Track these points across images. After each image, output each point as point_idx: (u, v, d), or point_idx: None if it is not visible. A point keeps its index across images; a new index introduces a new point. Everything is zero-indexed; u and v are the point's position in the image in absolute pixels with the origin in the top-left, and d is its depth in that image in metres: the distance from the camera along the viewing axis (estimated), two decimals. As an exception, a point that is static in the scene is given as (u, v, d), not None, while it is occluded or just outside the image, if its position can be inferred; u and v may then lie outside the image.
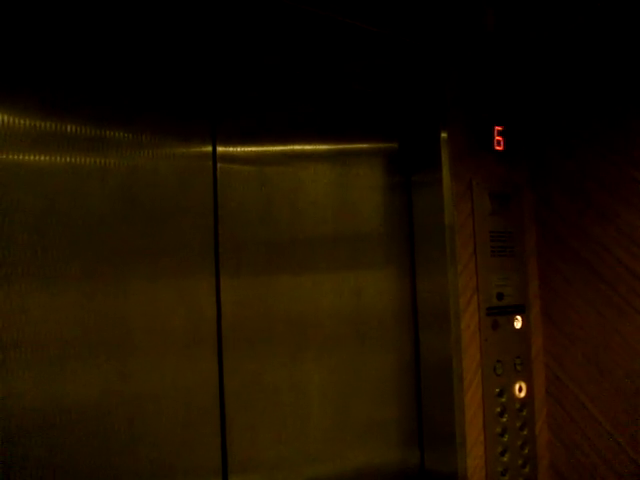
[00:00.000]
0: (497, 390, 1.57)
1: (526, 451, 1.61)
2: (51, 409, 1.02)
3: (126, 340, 1.11)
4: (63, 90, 1.08)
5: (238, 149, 1.31)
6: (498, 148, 1.62)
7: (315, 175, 1.43)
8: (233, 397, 1.24)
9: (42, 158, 1.05)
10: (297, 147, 1.41)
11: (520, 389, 1.62)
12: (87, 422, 1.05)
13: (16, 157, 1.02)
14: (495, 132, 1.61)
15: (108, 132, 1.13)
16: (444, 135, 1.51)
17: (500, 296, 1.59)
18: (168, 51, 1.13)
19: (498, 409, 1.57)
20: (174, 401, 1.16)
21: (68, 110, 1.08)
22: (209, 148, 1.27)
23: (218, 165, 1.27)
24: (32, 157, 1.04)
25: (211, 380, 1.22)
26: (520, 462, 1.59)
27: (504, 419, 1.57)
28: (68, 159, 1.07)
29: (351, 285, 1.45)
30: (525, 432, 1.61)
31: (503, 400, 1.58)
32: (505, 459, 1.56)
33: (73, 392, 1.04)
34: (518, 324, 1.63)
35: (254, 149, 1.34)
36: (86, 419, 1.05)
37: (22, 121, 1.03)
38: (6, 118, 1.01)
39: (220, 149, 1.28)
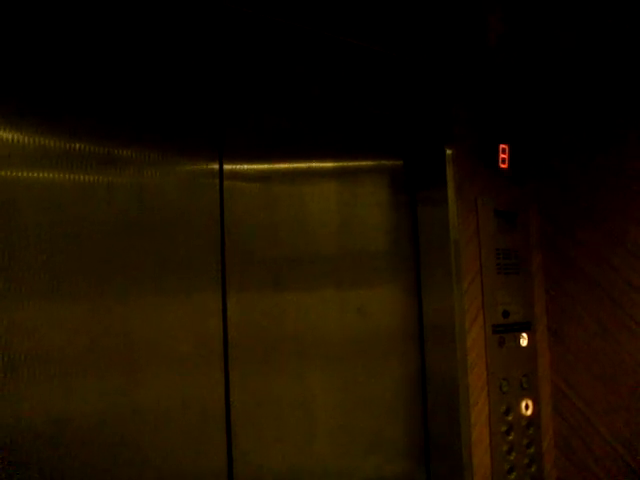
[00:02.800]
0: (503, 408, 1.56)
1: (533, 469, 1.60)
2: (57, 424, 1.02)
3: (132, 356, 1.11)
4: (73, 109, 1.09)
5: (244, 167, 1.32)
6: (503, 166, 1.62)
7: (321, 192, 1.43)
8: (239, 412, 1.24)
9: (49, 176, 1.06)
10: (303, 165, 1.42)
11: (527, 407, 1.61)
12: (93, 436, 1.05)
13: (23, 175, 1.03)
14: (500, 150, 1.62)
15: (117, 150, 1.14)
16: (449, 152, 1.52)
17: (506, 314, 1.59)
18: (177, 72, 1.15)
19: (504, 427, 1.56)
20: (180, 416, 1.16)
21: (77, 129, 1.09)
22: (216, 166, 1.28)
23: (225, 182, 1.28)
24: (39, 175, 1.05)
25: (217, 395, 1.22)
26: (527, 480, 1.59)
27: (511, 437, 1.56)
28: (76, 177, 1.08)
29: (357, 302, 1.46)
30: (532, 450, 1.61)
31: (509, 418, 1.57)
32: (512, 477, 1.55)
33: (79, 407, 1.04)
34: (524, 342, 1.63)
35: (260, 167, 1.35)
36: (92, 434, 1.05)
37: (31, 140, 1.04)
38: (16, 137, 1.02)
39: (227, 167, 1.29)
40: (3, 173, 1.01)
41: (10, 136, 1.01)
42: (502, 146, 1.62)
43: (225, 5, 1.14)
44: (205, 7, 1.14)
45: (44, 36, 1.02)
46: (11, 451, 0.97)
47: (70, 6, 1.01)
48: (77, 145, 1.09)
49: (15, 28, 0.99)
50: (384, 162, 1.58)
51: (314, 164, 1.44)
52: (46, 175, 1.06)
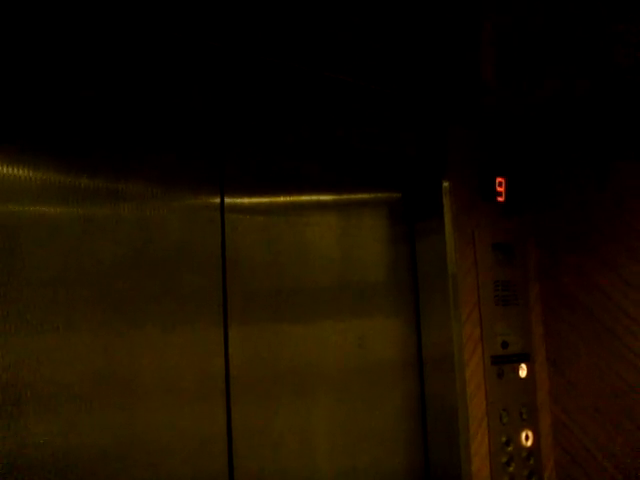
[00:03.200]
0: (504, 439, 1.56)
1: (534, 501, 1.59)
2: (61, 458, 1.02)
3: (134, 389, 1.12)
4: (82, 147, 1.12)
5: (245, 200, 1.34)
6: (500, 199, 1.65)
7: (321, 225, 1.45)
8: (241, 445, 1.24)
9: (54, 210, 1.08)
10: (303, 198, 1.44)
11: (527, 437, 1.61)
12: (97, 468, 1.06)
13: (28, 209, 1.05)
14: (497, 183, 1.65)
15: (121, 186, 1.16)
16: (446, 185, 1.55)
17: (505, 345, 1.60)
18: (180, 113, 1.17)
19: (505, 458, 1.56)
20: (183, 449, 1.16)
21: (84, 166, 1.11)
22: (217, 199, 1.30)
23: (226, 215, 1.30)
24: (44, 209, 1.07)
25: (219, 427, 1.22)
26: (528, 512, 1.58)
27: (511, 468, 1.56)
28: (81, 211, 1.10)
29: (357, 334, 1.47)
30: (533, 481, 1.60)
31: (510, 449, 1.57)
32: (513, 509, 1.55)
33: (83, 439, 1.05)
34: (523, 372, 1.63)
35: (261, 200, 1.37)
36: (96, 465, 1.05)
37: (37, 175, 1.06)
38: (24, 172, 1.04)
39: (228, 200, 1.31)
40: (11, 208, 1.03)
41: (19, 173, 1.04)
42: (499, 179, 1.65)
43: (226, 48, 1.18)
44: (207, 51, 1.17)
45: (62, 84, 1.05)
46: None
47: (85, 52, 1.04)
48: (86, 181, 1.11)
49: (35, 82, 1.02)
50: (383, 195, 1.60)
51: (314, 197, 1.46)
52: (52, 209, 1.07)
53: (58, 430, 1.02)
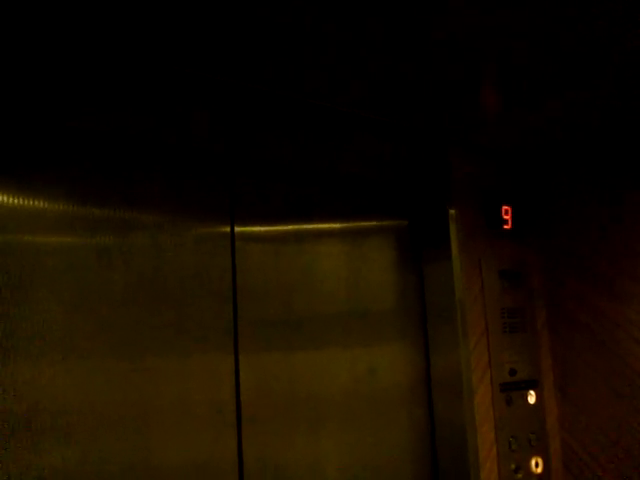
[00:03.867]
0: (513, 466, 1.56)
1: (545, 529, 1.58)
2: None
3: (145, 416, 1.13)
4: (96, 177, 1.15)
5: (255, 229, 1.36)
6: (506, 227, 1.67)
7: (330, 253, 1.47)
8: (252, 472, 1.25)
9: (66, 240, 1.10)
10: (311, 227, 1.46)
11: (537, 464, 1.60)
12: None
13: (41, 239, 1.07)
14: (503, 211, 1.66)
15: (133, 215, 1.18)
16: (452, 212, 1.56)
17: (513, 372, 1.60)
18: (191, 144, 1.20)
19: (515, 486, 1.55)
20: (193, 478, 1.17)
21: (97, 196, 1.14)
22: (227, 228, 1.32)
23: (236, 244, 1.32)
24: (57, 239, 1.09)
25: (230, 455, 1.23)
26: (539, 541, 1.57)
27: (521, 496, 1.56)
28: (93, 241, 1.12)
29: (365, 361, 1.47)
30: (543, 509, 1.59)
31: (519, 476, 1.56)
32: (524, 538, 1.54)
33: (95, 467, 1.06)
34: (532, 399, 1.63)
35: (270, 229, 1.39)
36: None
37: (52, 206, 1.09)
38: (37, 203, 1.07)
39: (238, 229, 1.33)
40: (24, 238, 1.05)
41: (32, 203, 1.06)
42: (504, 207, 1.67)
43: (236, 82, 1.21)
44: (219, 84, 1.21)
45: (82, 125, 1.08)
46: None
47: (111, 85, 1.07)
48: (99, 211, 1.13)
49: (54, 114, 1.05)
50: (390, 222, 1.62)
51: (322, 226, 1.48)
52: (65, 238, 1.10)
53: (68, 453, 1.03)
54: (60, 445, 1.03)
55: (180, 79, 1.17)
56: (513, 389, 1.60)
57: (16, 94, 0.99)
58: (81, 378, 1.07)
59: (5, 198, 1.03)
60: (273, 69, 1.16)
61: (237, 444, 1.24)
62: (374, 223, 1.59)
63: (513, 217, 1.69)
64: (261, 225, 1.37)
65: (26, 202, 1.06)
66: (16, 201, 1.05)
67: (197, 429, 1.19)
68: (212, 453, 1.20)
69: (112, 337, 1.11)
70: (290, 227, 1.42)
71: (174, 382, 1.17)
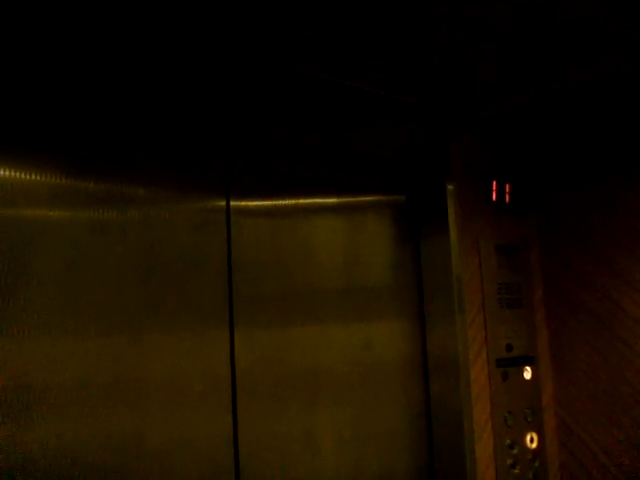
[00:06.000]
0: (508, 441, 1.56)
1: (539, 503, 1.60)
2: (66, 461, 1.03)
3: (140, 392, 1.12)
4: (91, 152, 1.13)
5: (251, 203, 1.35)
6: (504, 201, 1.65)
7: (325, 228, 1.46)
8: (247, 448, 1.25)
9: (61, 214, 1.09)
10: (308, 201, 1.45)
11: (532, 440, 1.61)
12: (99, 475, 1.06)
13: (36, 213, 1.06)
14: (501, 186, 1.65)
15: (127, 189, 1.16)
16: (450, 188, 1.55)
17: (509, 347, 1.60)
18: (187, 116, 1.18)
19: (510, 461, 1.56)
20: (188, 453, 1.17)
21: (90, 169, 1.12)
22: (223, 202, 1.30)
23: (232, 218, 1.31)
24: (52, 213, 1.08)
25: (225, 430, 1.23)
26: (533, 515, 1.58)
27: (516, 470, 1.56)
28: (88, 215, 1.11)
29: (361, 337, 1.47)
30: (538, 484, 1.60)
31: (515, 452, 1.57)
32: (518, 512, 1.55)
33: (88, 443, 1.06)
34: (528, 375, 1.64)
35: (266, 203, 1.37)
36: (98, 472, 1.06)
37: (48, 179, 1.07)
38: (33, 176, 1.05)
39: (233, 203, 1.31)
40: (18, 212, 1.04)
41: (28, 177, 1.05)
42: (503, 183, 1.66)
43: (233, 53, 1.19)
44: (218, 55, 1.18)
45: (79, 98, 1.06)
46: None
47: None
48: (94, 185, 1.12)
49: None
50: (387, 198, 1.61)
51: (319, 200, 1.47)
52: (59, 213, 1.08)
53: (68, 428, 1.04)
54: (60, 419, 1.02)
55: (177, 48, 1.14)
56: (509, 365, 1.60)
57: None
58: (76, 354, 1.06)
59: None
60: (276, 41, 1.14)
61: (232, 419, 1.24)
62: (371, 198, 1.58)
63: (512, 193, 1.67)
64: (257, 199, 1.36)
65: (10, 174, 1.04)
66: (6, 173, 1.03)
67: (192, 405, 1.19)
68: (207, 428, 1.20)
69: (106, 314, 1.10)
70: (286, 202, 1.41)
71: (168, 358, 1.17)
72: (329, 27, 1.09)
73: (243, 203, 1.33)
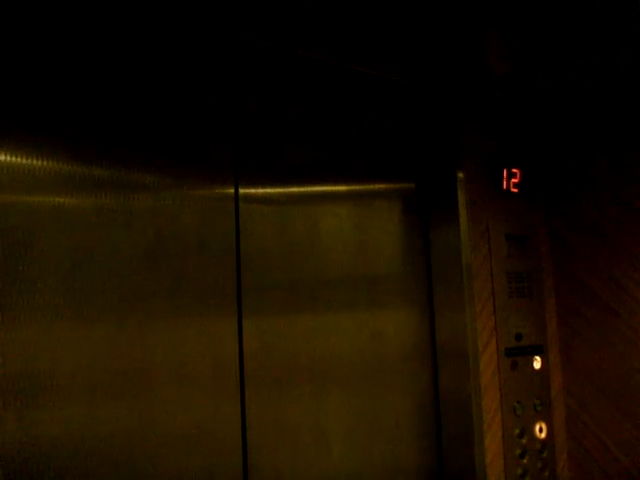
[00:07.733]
0: (517, 431, 1.56)
1: (548, 493, 1.59)
2: (73, 448, 1.03)
3: (149, 379, 1.13)
4: (101, 138, 1.13)
5: (260, 190, 1.34)
6: (514, 190, 1.64)
7: (334, 215, 1.45)
8: (255, 435, 1.25)
9: (70, 201, 1.08)
10: (317, 189, 1.44)
11: (540, 430, 1.60)
12: (108, 461, 1.07)
13: (45, 200, 1.06)
14: (511, 175, 1.64)
15: (136, 176, 1.16)
16: (460, 176, 1.54)
17: (519, 337, 1.59)
18: (196, 104, 1.18)
19: (518, 450, 1.55)
20: (197, 440, 1.17)
21: (100, 156, 1.12)
22: (231, 190, 1.30)
23: (240, 206, 1.30)
24: (60, 200, 1.07)
25: (234, 416, 1.23)
26: (542, 505, 1.58)
27: (525, 460, 1.56)
28: (96, 202, 1.11)
29: (370, 325, 1.47)
30: (546, 473, 1.60)
31: (523, 441, 1.57)
32: (526, 501, 1.55)
33: (95, 430, 1.06)
34: (537, 364, 1.63)
35: (275, 191, 1.37)
36: (107, 459, 1.07)
37: (55, 166, 1.07)
38: (38, 163, 1.05)
39: (242, 190, 1.31)
40: (25, 199, 1.04)
41: (33, 163, 1.05)
42: (513, 170, 1.64)
43: (244, 38, 1.18)
44: (225, 39, 1.17)
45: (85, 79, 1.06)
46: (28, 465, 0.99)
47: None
48: (102, 171, 1.11)
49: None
50: (397, 185, 1.60)
51: (328, 188, 1.46)
52: (68, 199, 1.08)
53: (76, 416, 1.04)
54: (62, 404, 1.03)
55: (184, 29, 1.13)
56: (519, 354, 1.59)
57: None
58: (82, 340, 1.06)
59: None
60: (284, 25, 1.13)
61: (240, 405, 1.24)
62: (381, 186, 1.57)
63: (522, 181, 1.66)
64: (266, 187, 1.35)
65: (14, 159, 1.04)
66: (9, 158, 1.03)
67: (201, 391, 1.19)
68: (216, 414, 1.20)
69: (115, 300, 1.11)
70: (296, 189, 1.40)
71: (177, 345, 1.17)
72: (344, 12, 1.08)
73: (252, 190, 1.32)
